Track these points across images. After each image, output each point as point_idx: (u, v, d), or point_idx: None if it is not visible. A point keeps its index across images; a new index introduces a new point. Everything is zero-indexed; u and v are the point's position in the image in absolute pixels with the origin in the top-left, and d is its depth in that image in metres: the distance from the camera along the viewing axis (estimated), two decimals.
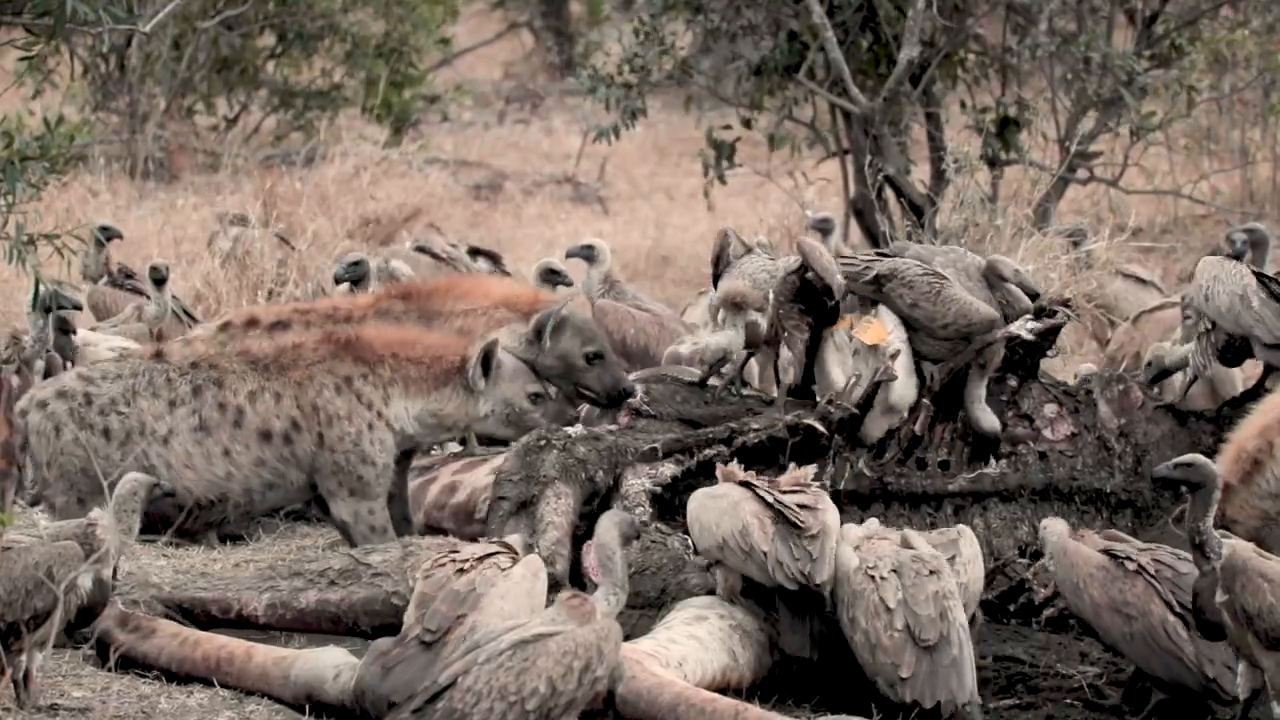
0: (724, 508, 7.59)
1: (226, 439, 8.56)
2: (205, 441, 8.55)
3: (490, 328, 9.09)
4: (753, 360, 9.69)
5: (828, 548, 7.38)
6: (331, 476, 8.63)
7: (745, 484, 7.63)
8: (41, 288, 8.67)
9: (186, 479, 8.52)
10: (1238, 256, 9.87)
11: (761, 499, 7.50)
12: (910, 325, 8.66)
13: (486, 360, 8.68)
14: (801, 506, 7.49)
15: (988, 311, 8.62)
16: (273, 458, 8.60)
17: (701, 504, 7.69)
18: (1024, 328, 8.66)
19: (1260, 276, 8.70)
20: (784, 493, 7.59)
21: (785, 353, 8.74)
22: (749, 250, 9.06)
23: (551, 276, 11.84)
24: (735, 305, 8.77)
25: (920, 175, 16.42)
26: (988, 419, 8.61)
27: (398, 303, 9.22)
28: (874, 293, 8.67)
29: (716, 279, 9.32)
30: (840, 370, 8.60)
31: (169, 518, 8.65)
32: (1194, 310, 8.90)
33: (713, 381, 9.09)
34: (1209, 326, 8.76)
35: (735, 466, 7.83)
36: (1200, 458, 7.14)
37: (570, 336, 8.87)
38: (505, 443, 10.33)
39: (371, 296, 9.40)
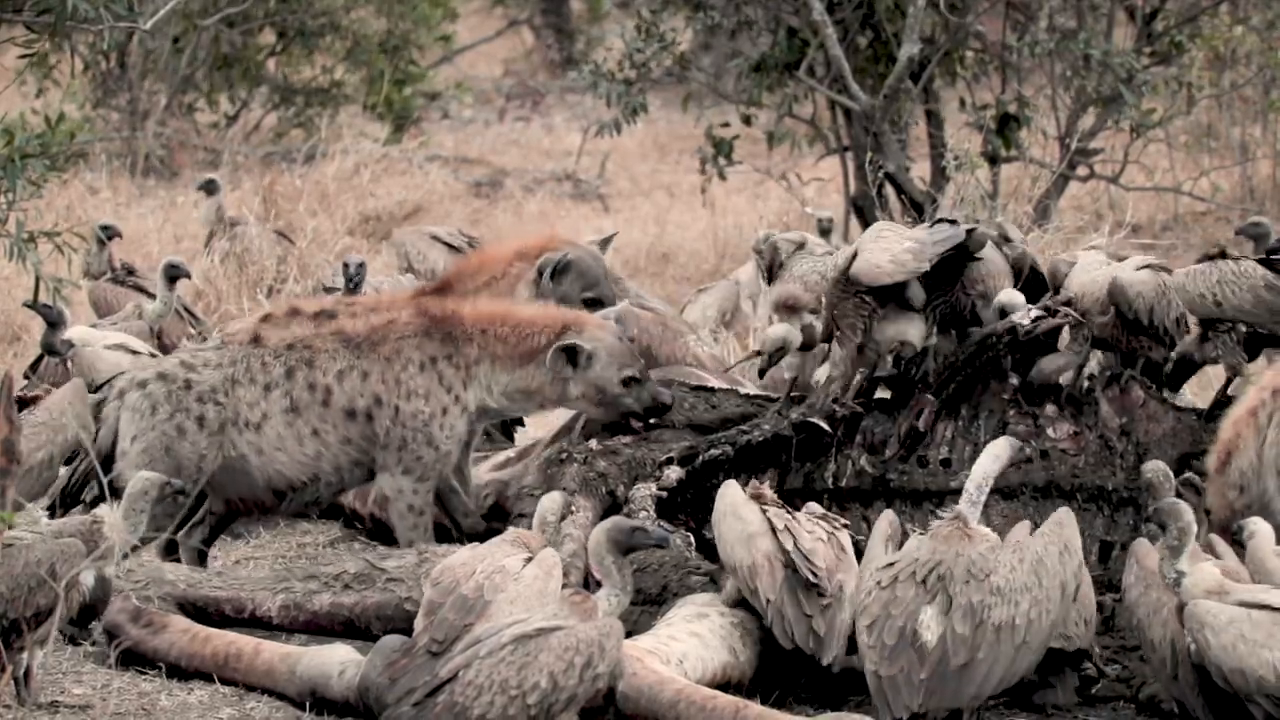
0: (740, 535, 7.57)
1: (316, 419, 8.55)
2: (295, 423, 8.54)
3: (513, 285, 9.07)
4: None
5: (839, 621, 7.39)
6: (394, 451, 8.59)
7: (767, 516, 7.59)
8: (42, 283, 8.66)
9: (279, 462, 8.53)
10: (1259, 239, 9.80)
11: (779, 541, 7.47)
12: None
13: (571, 353, 8.66)
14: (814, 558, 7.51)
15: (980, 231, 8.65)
16: (358, 435, 8.59)
17: (724, 514, 7.68)
18: (1026, 317, 8.66)
19: (1266, 263, 8.68)
20: (809, 533, 7.55)
21: (837, 349, 8.72)
22: (800, 245, 8.99)
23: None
24: (789, 308, 8.70)
25: (920, 172, 16.43)
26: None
27: (436, 296, 9.17)
28: None
29: (770, 282, 9.26)
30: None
31: (264, 504, 8.69)
32: (1203, 315, 8.82)
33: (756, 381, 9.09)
34: (1228, 325, 8.75)
35: (766, 489, 7.82)
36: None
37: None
38: (511, 438, 10.37)
39: (412, 290, 9.37)
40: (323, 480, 8.64)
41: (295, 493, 8.65)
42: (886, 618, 6.95)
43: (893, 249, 8.40)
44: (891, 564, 7.10)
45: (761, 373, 8.97)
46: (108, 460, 8.57)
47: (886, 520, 7.49)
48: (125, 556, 7.85)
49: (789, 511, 7.67)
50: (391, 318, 8.69)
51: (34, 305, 10.99)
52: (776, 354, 8.83)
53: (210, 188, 15.33)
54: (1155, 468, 7.81)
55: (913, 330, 8.50)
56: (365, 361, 8.60)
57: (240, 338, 8.68)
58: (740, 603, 7.59)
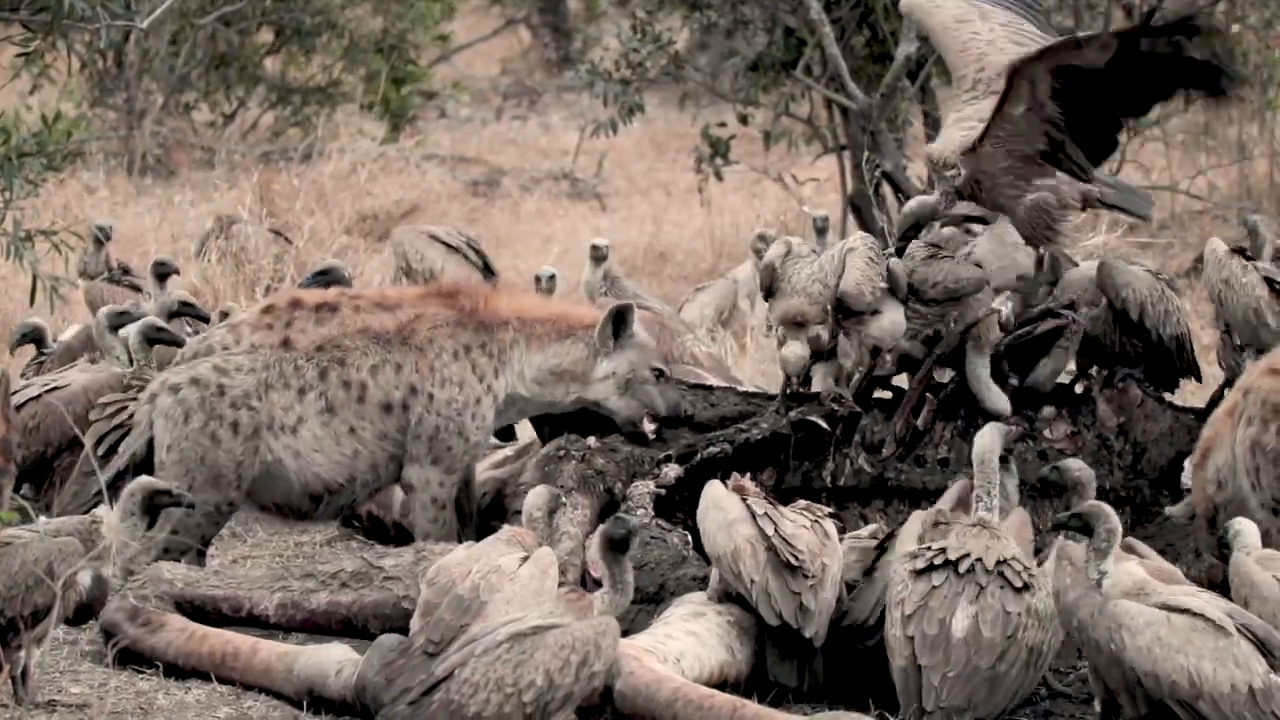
0: (721, 523, 7.57)
1: (352, 417, 8.56)
2: (332, 423, 8.54)
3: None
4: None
5: (822, 598, 7.38)
6: (425, 440, 8.61)
7: (747, 504, 7.59)
8: (39, 282, 8.66)
9: (316, 464, 8.53)
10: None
11: (760, 527, 7.47)
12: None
13: (618, 320, 8.66)
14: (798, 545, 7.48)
15: (976, 273, 8.63)
16: (394, 429, 8.60)
17: (706, 509, 7.69)
18: (1004, 304, 8.70)
19: (1271, 283, 8.67)
20: (791, 521, 7.54)
21: (844, 341, 8.73)
22: (787, 253, 8.94)
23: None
24: (796, 324, 8.70)
25: (917, 171, 16.40)
26: (994, 397, 8.60)
27: (444, 301, 9.14)
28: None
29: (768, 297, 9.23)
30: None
31: (299, 509, 8.67)
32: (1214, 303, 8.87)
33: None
34: (1225, 327, 8.78)
35: (748, 482, 7.82)
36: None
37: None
38: (509, 438, 10.34)
39: (420, 289, 9.35)
40: (359, 480, 8.64)
41: (331, 496, 8.64)
42: (925, 609, 6.96)
43: (870, 274, 8.52)
44: (916, 555, 7.12)
45: (788, 393, 8.92)
46: (142, 464, 8.52)
47: (919, 520, 7.52)
48: (128, 572, 7.85)
49: (772, 502, 7.67)
50: (420, 311, 8.70)
51: (16, 346, 11.02)
52: (802, 373, 8.83)
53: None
54: (1080, 466, 7.77)
55: (900, 316, 8.58)
56: (398, 354, 8.61)
57: (271, 341, 8.67)
58: (729, 597, 7.60)
